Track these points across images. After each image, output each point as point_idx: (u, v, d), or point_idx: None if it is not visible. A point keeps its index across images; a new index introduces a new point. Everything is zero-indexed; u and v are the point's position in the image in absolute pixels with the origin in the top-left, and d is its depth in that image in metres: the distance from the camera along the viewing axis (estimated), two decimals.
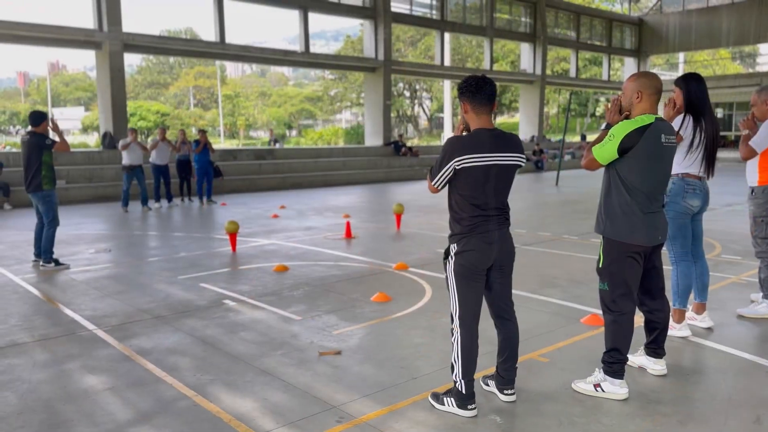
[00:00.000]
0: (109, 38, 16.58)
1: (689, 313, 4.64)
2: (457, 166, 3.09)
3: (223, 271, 6.88)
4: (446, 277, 3.27)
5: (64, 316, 5.20)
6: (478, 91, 3.14)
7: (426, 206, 12.57)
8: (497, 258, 3.21)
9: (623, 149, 3.27)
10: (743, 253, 7.44)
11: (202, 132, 14.42)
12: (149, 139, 13.98)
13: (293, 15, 21.36)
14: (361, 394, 3.52)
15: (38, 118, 7.21)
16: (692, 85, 4.22)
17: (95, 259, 7.65)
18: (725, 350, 4.16)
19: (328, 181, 19.47)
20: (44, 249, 7.15)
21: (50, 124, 7.28)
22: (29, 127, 7.27)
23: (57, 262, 7.18)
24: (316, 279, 6.41)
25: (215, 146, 15.18)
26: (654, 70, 36.79)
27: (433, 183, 3.21)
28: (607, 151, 3.31)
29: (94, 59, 17.56)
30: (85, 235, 9.65)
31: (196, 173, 14.20)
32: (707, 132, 4.21)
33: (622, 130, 3.27)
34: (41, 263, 7.18)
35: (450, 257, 3.22)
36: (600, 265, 3.49)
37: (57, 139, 7.26)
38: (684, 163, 4.29)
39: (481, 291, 3.24)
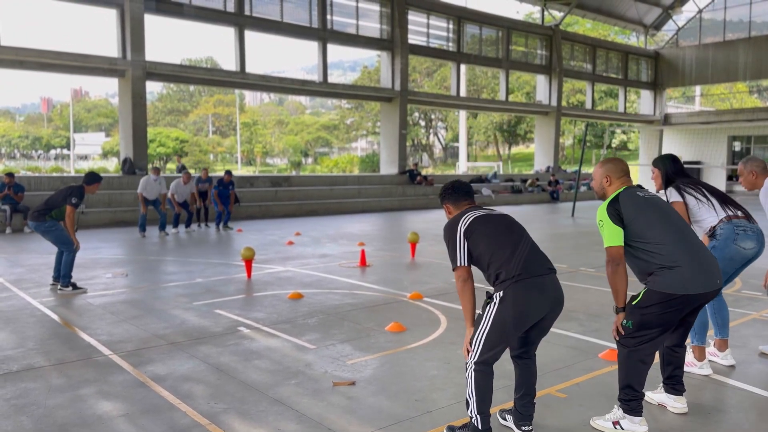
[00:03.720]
0: (132, 66, 16.97)
1: (711, 349, 4.56)
2: (464, 227, 3.18)
3: (238, 298, 6.90)
4: (481, 315, 3.13)
5: (80, 340, 5.23)
6: (454, 191, 3.38)
7: (441, 235, 12.50)
8: (550, 311, 3.14)
9: (619, 218, 3.31)
10: (764, 289, 7.30)
11: (228, 173, 14.48)
12: (171, 184, 13.96)
13: (312, 45, 21.76)
14: (375, 426, 3.48)
15: (91, 178, 7.53)
16: (669, 165, 4.44)
17: (112, 284, 7.71)
18: (747, 389, 4.07)
19: (343, 209, 19.55)
20: (63, 273, 7.23)
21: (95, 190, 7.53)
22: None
23: (75, 286, 7.25)
24: (331, 307, 6.40)
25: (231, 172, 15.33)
26: (670, 103, 36.88)
27: (458, 264, 3.15)
28: (610, 232, 3.31)
29: (117, 86, 17.96)
30: (102, 259, 9.74)
31: (220, 200, 14.22)
32: (698, 185, 4.35)
33: (602, 210, 3.39)
34: (59, 287, 7.25)
35: (493, 303, 3.08)
36: (635, 303, 3.33)
37: (69, 223, 7.29)
38: (710, 217, 4.29)
39: (511, 343, 3.20)
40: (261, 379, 4.25)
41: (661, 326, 3.29)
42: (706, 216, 4.31)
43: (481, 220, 3.20)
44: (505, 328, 3.05)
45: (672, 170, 4.41)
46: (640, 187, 3.54)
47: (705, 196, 4.29)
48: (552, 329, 5.40)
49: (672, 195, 4.34)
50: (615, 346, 4.63)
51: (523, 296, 3.03)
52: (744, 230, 4.23)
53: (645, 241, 3.29)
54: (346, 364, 4.57)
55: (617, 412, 3.43)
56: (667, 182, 4.42)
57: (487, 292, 3.17)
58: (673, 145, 33.08)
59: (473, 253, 3.16)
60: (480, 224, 3.18)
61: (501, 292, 3.06)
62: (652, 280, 3.29)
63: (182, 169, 13.93)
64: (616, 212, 3.33)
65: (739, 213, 4.30)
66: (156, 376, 4.33)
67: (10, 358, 4.74)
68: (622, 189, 3.46)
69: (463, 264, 3.15)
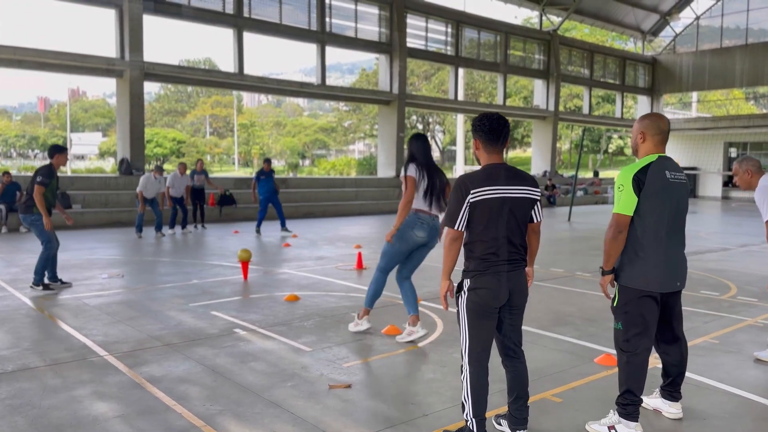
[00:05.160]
0: (130, 67, 16.95)
1: (409, 327, 5.20)
2: (472, 199, 3.10)
3: (234, 300, 6.89)
4: (458, 311, 3.25)
5: (75, 341, 5.22)
6: (492, 131, 3.20)
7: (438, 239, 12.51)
8: (510, 297, 3.20)
9: (639, 189, 3.28)
10: (760, 295, 7.34)
11: (268, 161, 13.86)
12: (168, 176, 13.87)
13: (310, 48, 21.76)
14: (370, 429, 3.48)
15: (51, 150, 7.23)
16: (413, 143, 5.26)
17: (108, 285, 7.69)
18: (742, 394, 4.08)
19: (340, 211, 19.55)
20: (36, 270, 7.13)
21: (65, 159, 7.26)
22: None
23: (45, 286, 7.15)
24: (327, 310, 6.40)
25: (229, 174, 15.26)
26: (667, 109, 36.96)
27: (455, 227, 3.12)
28: (625, 199, 3.29)
29: (115, 86, 17.94)
30: (98, 260, 9.72)
31: (259, 203, 13.65)
32: (431, 178, 5.11)
33: (627, 175, 3.30)
34: (31, 284, 7.16)
35: (463, 292, 3.20)
36: (614, 304, 3.46)
37: (38, 202, 7.03)
38: (417, 200, 5.12)
39: (492, 328, 3.21)
40: (257, 382, 4.24)
41: (645, 319, 3.35)
42: (417, 199, 5.13)
43: (489, 204, 3.11)
44: (481, 311, 3.14)
45: (416, 149, 5.24)
46: (672, 161, 3.44)
47: (428, 188, 5.11)
48: (548, 333, 5.45)
49: (412, 172, 5.09)
50: (610, 350, 4.65)
51: (486, 285, 3.13)
52: (422, 222, 5.12)
53: (639, 220, 3.32)
54: (342, 366, 4.57)
55: (613, 416, 3.44)
56: (412, 157, 5.20)
57: (458, 284, 3.22)
58: (670, 150, 32.91)
59: (469, 222, 3.15)
60: (487, 205, 3.11)
61: (468, 281, 3.16)
62: (621, 277, 3.39)
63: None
64: (639, 183, 3.27)
65: (432, 210, 5.16)
66: (152, 377, 4.32)
67: (5, 358, 4.73)
68: (656, 158, 3.35)
69: (459, 228, 3.14)
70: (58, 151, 7.24)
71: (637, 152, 3.49)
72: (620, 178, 3.34)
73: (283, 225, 13.74)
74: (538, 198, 3.25)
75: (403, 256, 5.26)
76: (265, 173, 13.52)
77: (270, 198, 13.57)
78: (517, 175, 3.21)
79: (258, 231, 13.51)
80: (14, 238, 12.43)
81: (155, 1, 17.48)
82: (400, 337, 5.27)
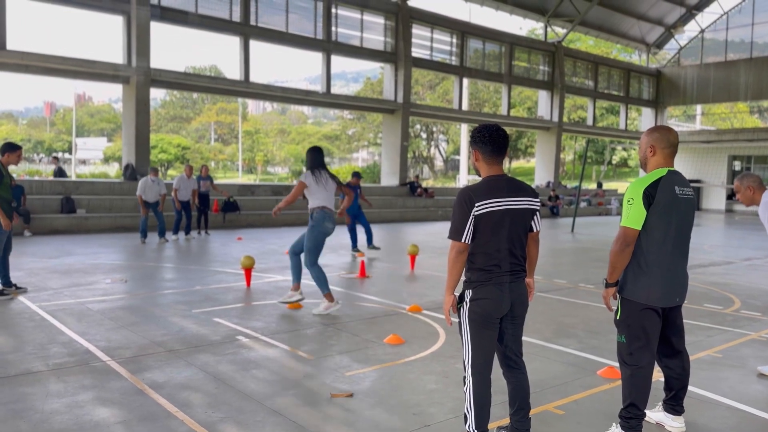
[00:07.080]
0: (136, 73, 17.05)
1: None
2: (477, 212, 3.10)
3: (236, 306, 6.90)
4: (459, 322, 3.25)
5: (78, 345, 5.22)
6: (491, 142, 3.18)
7: (441, 248, 12.54)
8: (512, 307, 3.21)
9: (649, 204, 3.28)
10: (763, 309, 7.32)
11: (357, 176, 12.34)
12: (175, 178, 13.87)
13: (316, 56, 21.86)
14: None
15: (4, 148, 7.03)
16: (309, 154, 6.85)
17: (111, 290, 7.70)
18: (745, 409, 4.06)
19: (343, 219, 19.54)
20: None
21: (17, 158, 7.06)
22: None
23: None
24: (329, 318, 6.40)
25: (232, 181, 15.25)
26: (671, 121, 36.99)
27: (461, 240, 3.10)
28: (634, 213, 3.28)
29: (121, 92, 18.03)
30: (102, 264, 9.74)
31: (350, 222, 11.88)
32: (327, 181, 6.70)
33: (638, 189, 3.29)
34: None
35: (464, 303, 3.20)
36: (617, 317, 3.46)
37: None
38: (322, 200, 6.66)
39: (494, 339, 3.21)
40: (259, 389, 4.24)
41: (647, 331, 3.36)
42: (317, 195, 6.63)
43: (492, 217, 3.10)
44: (483, 322, 3.14)
45: (312, 159, 6.79)
46: (681, 176, 3.42)
47: (325, 184, 6.66)
48: (550, 345, 5.44)
49: (305, 177, 6.64)
50: (613, 363, 4.64)
51: (489, 296, 3.13)
52: (330, 216, 6.70)
53: (646, 234, 3.31)
54: (344, 375, 4.56)
55: (615, 429, 3.43)
56: (311, 165, 6.74)
57: (459, 295, 3.22)
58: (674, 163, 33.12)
59: (473, 234, 3.13)
60: (491, 218, 3.10)
61: (470, 292, 3.16)
62: (624, 290, 3.40)
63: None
64: (649, 197, 3.26)
65: (330, 206, 6.72)
66: (154, 383, 4.32)
67: (8, 362, 4.73)
68: (666, 173, 3.35)
69: (465, 241, 3.11)
70: (10, 149, 7.10)
71: (645, 165, 3.47)
72: (630, 191, 3.33)
73: (369, 242, 12.40)
74: (538, 208, 3.27)
75: (322, 243, 6.83)
76: (352, 187, 11.51)
77: (356, 215, 12.17)
78: (518, 187, 3.22)
79: (355, 249, 11.86)
80: (18, 242, 12.44)
81: (162, 8, 17.62)
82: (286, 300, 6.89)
